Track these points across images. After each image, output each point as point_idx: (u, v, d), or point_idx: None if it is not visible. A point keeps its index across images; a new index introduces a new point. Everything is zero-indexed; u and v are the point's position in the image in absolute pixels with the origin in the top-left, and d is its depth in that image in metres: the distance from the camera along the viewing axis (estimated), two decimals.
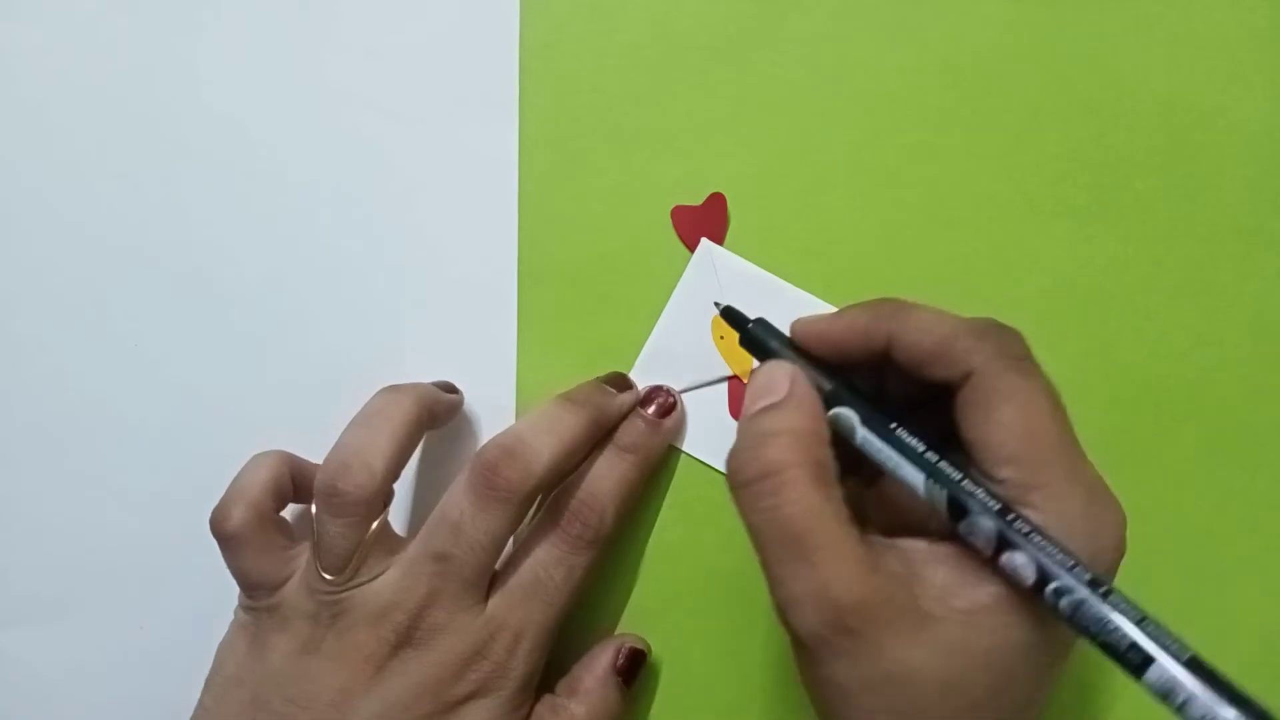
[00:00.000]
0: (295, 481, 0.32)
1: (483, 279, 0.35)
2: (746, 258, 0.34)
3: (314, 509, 0.29)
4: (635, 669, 0.32)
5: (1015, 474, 0.23)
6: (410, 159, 0.35)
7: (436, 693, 0.28)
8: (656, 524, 0.34)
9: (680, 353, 0.34)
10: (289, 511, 0.33)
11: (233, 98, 0.36)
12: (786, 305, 0.33)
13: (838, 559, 0.23)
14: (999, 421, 0.23)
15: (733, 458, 0.25)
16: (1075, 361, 0.33)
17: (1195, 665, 0.19)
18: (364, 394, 0.31)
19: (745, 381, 0.34)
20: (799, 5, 0.34)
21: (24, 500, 0.36)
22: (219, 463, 0.31)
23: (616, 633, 0.34)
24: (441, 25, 0.35)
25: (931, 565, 0.23)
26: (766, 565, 0.24)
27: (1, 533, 0.36)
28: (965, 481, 0.23)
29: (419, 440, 0.31)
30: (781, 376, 0.26)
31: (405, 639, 0.28)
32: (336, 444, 0.30)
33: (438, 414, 0.32)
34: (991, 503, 0.23)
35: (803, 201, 0.34)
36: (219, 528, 0.30)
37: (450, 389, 0.34)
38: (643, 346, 0.34)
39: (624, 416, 0.32)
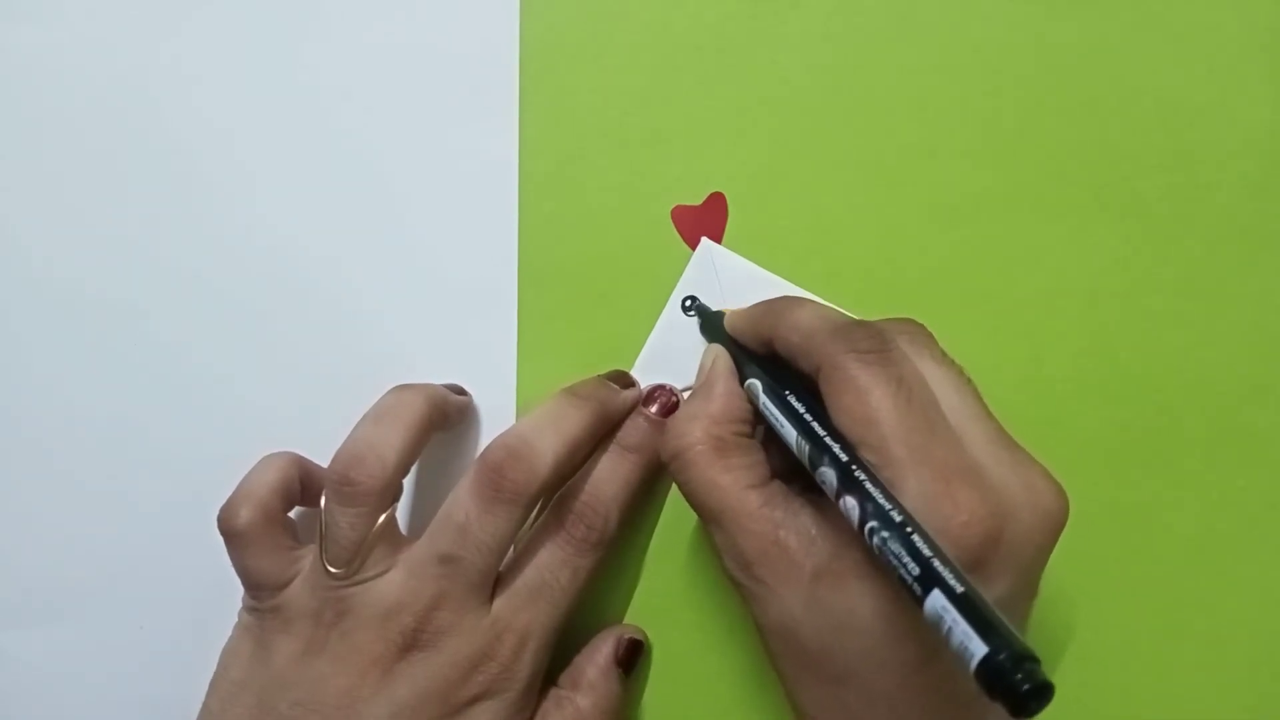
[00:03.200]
0: (303, 484, 0.32)
1: (483, 279, 0.35)
2: (747, 256, 0.34)
3: (324, 501, 0.29)
4: (634, 659, 0.33)
5: (867, 456, 0.24)
6: (410, 159, 0.35)
7: (444, 696, 0.28)
8: (659, 523, 0.34)
9: (680, 352, 0.34)
10: (295, 516, 0.33)
11: (233, 100, 0.36)
12: None
13: (737, 520, 0.26)
14: (840, 409, 0.25)
15: (660, 441, 0.29)
16: (1075, 361, 0.33)
17: (964, 601, 0.20)
18: (364, 395, 0.31)
19: None
20: (798, 4, 0.34)
21: (25, 500, 0.36)
22: (220, 464, 0.31)
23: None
24: (441, 25, 0.35)
25: (825, 528, 0.25)
26: (702, 523, 0.27)
27: (2, 533, 0.36)
28: (827, 438, 0.25)
29: (429, 439, 0.31)
30: (706, 360, 0.31)
31: (412, 641, 0.28)
32: (349, 438, 0.30)
33: (448, 414, 0.32)
34: (842, 455, 0.24)
35: (803, 200, 0.34)
36: (226, 525, 0.30)
37: (459, 391, 0.34)
38: (643, 346, 0.34)
39: (627, 413, 0.32)
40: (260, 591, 0.30)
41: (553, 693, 0.31)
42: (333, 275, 0.35)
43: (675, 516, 0.34)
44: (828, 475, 0.24)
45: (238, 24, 0.36)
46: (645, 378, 0.33)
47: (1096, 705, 0.33)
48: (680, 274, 0.34)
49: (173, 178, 0.36)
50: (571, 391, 0.31)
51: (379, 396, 0.31)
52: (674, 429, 0.28)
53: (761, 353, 0.29)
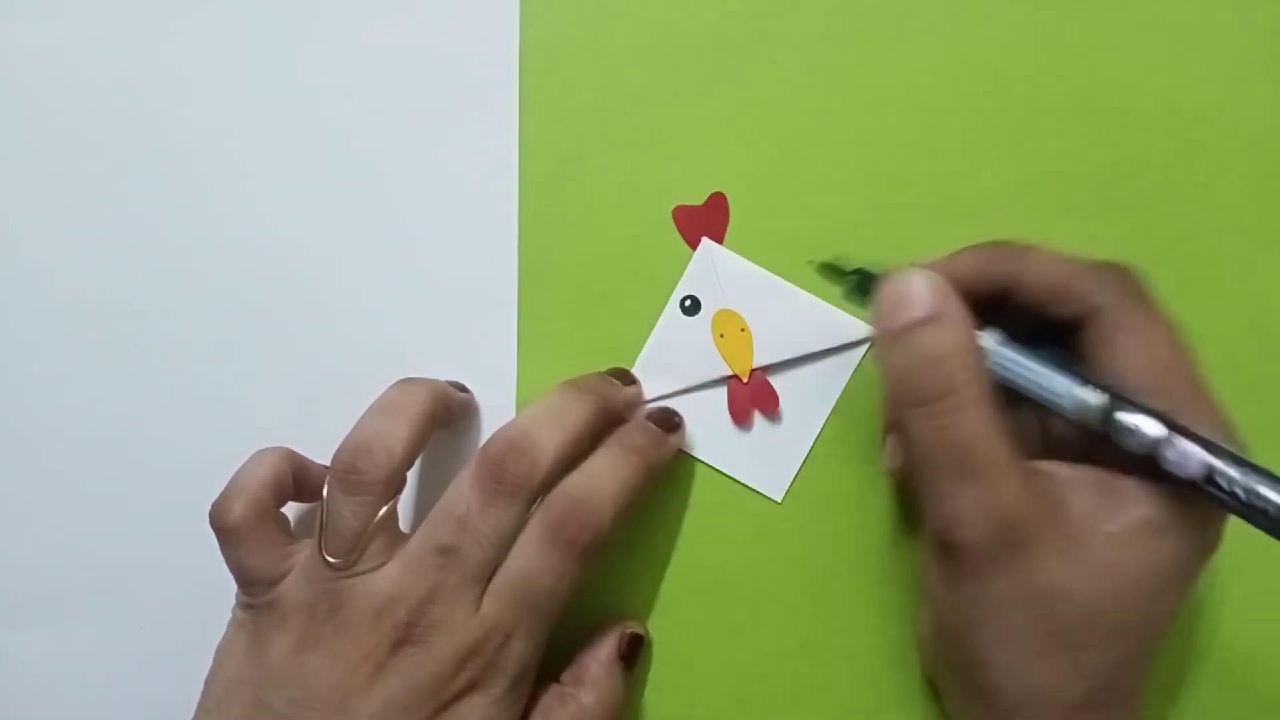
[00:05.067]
0: (296, 479, 0.32)
1: (483, 279, 0.35)
2: (747, 257, 0.34)
3: (326, 490, 0.29)
4: (636, 654, 0.33)
5: (1161, 402, 0.24)
6: (410, 159, 0.35)
7: (435, 691, 0.28)
8: (658, 524, 0.34)
9: (680, 353, 0.34)
10: (288, 512, 0.33)
11: (230, 98, 0.36)
12: (787, 304, 0.34)
13: (1005, 477, 0.24)
14: (1128, 355, 0.24)
15: (903, 378, 0.25)
16: None
17: None
18: (365, 394, 0.31)
19: (745, 381, 0.34)
20: (798, 4, 0.34)
21: (24, 500, 0.36)
22: (219, 464, 0.31)
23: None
24: (441, 25, 0.35)
25: (1076, 489, 0.25)
26: (933, 482, 0.25)
27: (2, 533, 0.36)
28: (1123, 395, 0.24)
29: (432, 432, 0.31)
30: (923, 286, 0.26)
31: (404, 636, 0.28)
32: (354, 428, 0.30)
33: (451, 410, 0.32)
34: (1149, 402, 0.23)
35: (803, 200, 0.34)
36: (218, 520, 0.30)
37: (461, 389, 0.34)
38: (643, 346, 0.34)
39: (628, 409, 0.32)
40: (254, 587, 0.30)
41: (555, 688, 0.31)
42: (333, 275, 0.35)
43: (673, 517, 0.34)
44: (1138, 422, 0.23)
45: (237, 24, 0.36)
46: (645, 377, 0.33)
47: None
48: (680, 274, 0.34)
49: (172, 178, 0.36)
50: (573, 385, 0.31)
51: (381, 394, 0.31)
52: (927, 363, 0.25)
53: (981, 300, 0.26)
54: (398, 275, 0.35)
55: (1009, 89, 0.34)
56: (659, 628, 0.34)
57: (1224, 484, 0.23)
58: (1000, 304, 0.27)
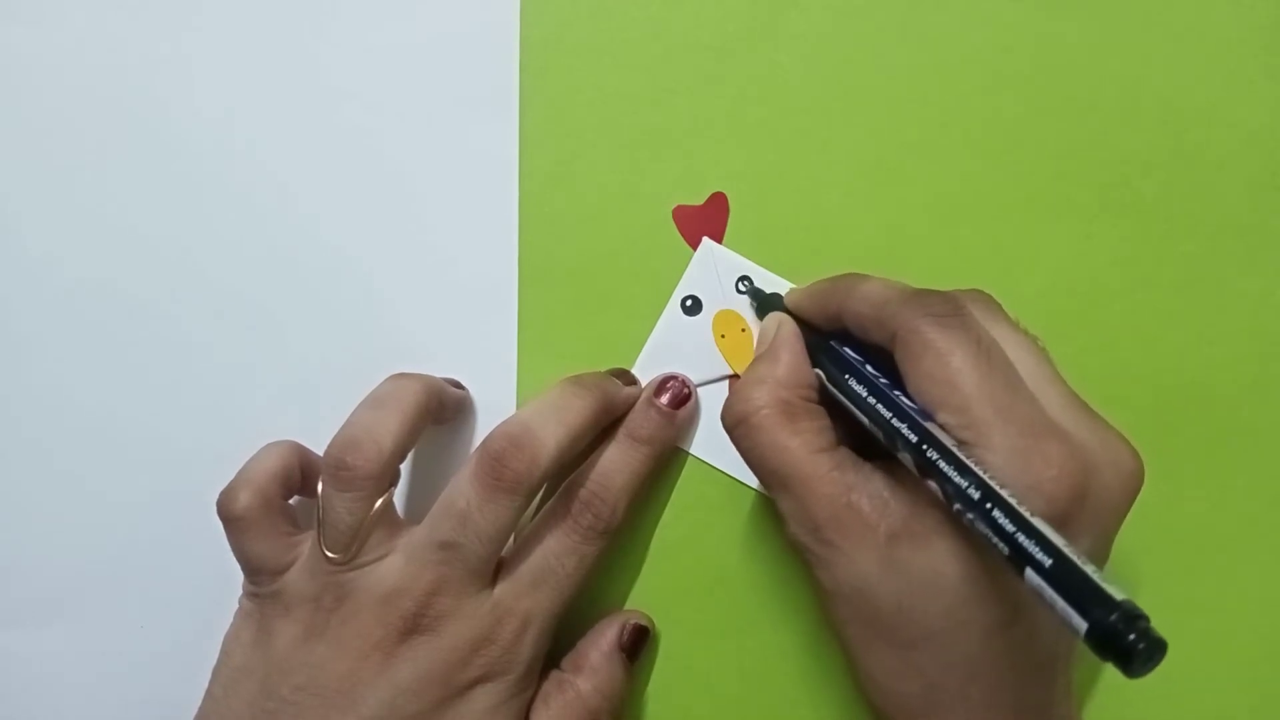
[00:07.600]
0: (304, 473, 0.32)
1: (483, 279, 0.35)
2: (748, 256, 0.34)
3: (320, 486, 0.29)
4: (639, 645, 0.33)
5: (948, 418, 0.24)
6: (410, 158, 0.35)
7: (445, 679, 0.28)
8: (659, 522, 0.34)
9: (681, 353, 0.34)
10: (296, 505, 0.33)
11: (232, 97, 0.36)
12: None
13: (808, 484, 0.26)
14: (920, 373, 0.25)
15: (723, 406, 0.29)
16: (1076, 359, 0.33)
17: (1055, 574, 0.20)
18: (365, 393, 0.31)
19: None
20: (796, 3, 0.34)
21: (24, 500, 0.36)
22: (219, 463, 0.31)
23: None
24: (441, 24, 0.35)
25: (899, 490, 0.25)
26: (765, 487, 0.27)
27: (1, 533, 0.36)
28: (894, 420, 0.25)
29: (425, 426, 0.31)
30: (769, 327, 0.30)
31: (412, 626, 0.28)
32: (346, 423, 0.30)
33: (445, 404, 0.32)
34: (911, 436, 0.24)
35: (804, 200, 0.34)
36: (225, 509, 0.30)
37: (456, 385, 0.34)
38: (643, 346, 0.34)
39: (628, 407, 0.32)
40: (259, 576, 0.30)
41: (554, 675, 0.31)
42: (335, 274, 0.35)
43: (674, 517, 0.34)
44: (905, 459, 0.25)
45: (242, 26, 0.36)
46: (646, 378, 0.33)
47: (1096, 705, 0.33)
48: (681, 274, 0.34)
49: (175, 175, 0.36)
50: (575, 381, 0.31)
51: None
52: (739, 394, 0.28)
53: (827, 329, 0.29)
54: (399, 274, 0.35)
55: (1009, 89, 0.34)
56: (659, 627, 0.34)
57: (963, 519, 0.23)
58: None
